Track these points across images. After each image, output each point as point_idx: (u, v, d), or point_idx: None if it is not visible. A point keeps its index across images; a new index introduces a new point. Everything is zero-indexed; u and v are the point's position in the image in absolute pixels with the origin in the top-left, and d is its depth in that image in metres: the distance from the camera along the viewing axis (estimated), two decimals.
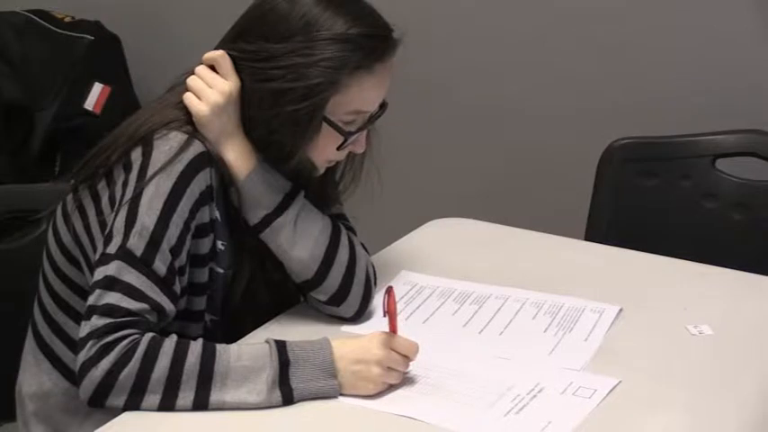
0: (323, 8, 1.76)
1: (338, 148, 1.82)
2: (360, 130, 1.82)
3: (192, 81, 1.81)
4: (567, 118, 3.19)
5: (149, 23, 3.74)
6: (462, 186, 3.35)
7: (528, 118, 3.24)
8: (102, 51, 3.62)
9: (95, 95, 3.57)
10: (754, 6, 2.93)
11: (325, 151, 1.82)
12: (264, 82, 1.76)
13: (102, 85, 3.58)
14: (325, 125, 1.78)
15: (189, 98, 1.80)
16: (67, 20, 3.66)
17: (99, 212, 1.76)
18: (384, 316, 1.70)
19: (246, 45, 1.79)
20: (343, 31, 1.75)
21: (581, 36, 3.13)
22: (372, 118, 1.84)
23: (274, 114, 1.76)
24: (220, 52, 1.80)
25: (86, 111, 3.56)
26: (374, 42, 1.77)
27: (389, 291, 1.69)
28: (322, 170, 1.87)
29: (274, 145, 1.80)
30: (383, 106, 1.86)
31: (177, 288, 1.71)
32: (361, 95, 1.79)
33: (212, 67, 1.81)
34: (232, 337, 1.79)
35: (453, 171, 3.38)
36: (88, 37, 3.60)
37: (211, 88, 1.79)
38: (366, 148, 1.89)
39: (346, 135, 1.80)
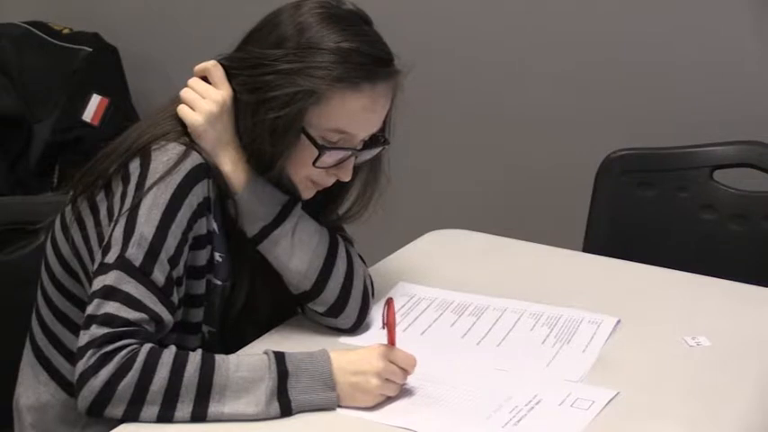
0: (320, 21, 1.76)
1: (314, 163, 1.78)
2: (341, 149, 1.78)
3: (185, 93, 1.82)
4: (565, 129, 3.19)
5: (147, 35, 3.75)
6: (460, 198, 3.36)
7: (526, 129, 3.25)
8: (100, 63, 3.63)
9: (93, 107, 3.57)
10: (754, 18, 2.93)
11: (303, 166, 1.79)
12: (254, 91, 1.76)
13: (100, 97, 3.58)
14: (304, 138, 1.77)
15: (183, 110, 1.80)
16: (66, 32, 3.66)
17: (97, 223, 1.76)
18: (382, 328, 1.70)
19: (239, 53, 1.80)
20: (335, 43, 1.75)
21: (579, 47, 3.13)
22: (364, 147, 1.82)
23: (259, 122, 1.76)
24: (212, 62, 1.81)
25: (84, 122, 3.56)
26: (364, 59, 1.76)
27: (389, 303, 1.69)
28: (306, 192, 1.84)
29: (256, 153, 1.79)
30: (380, 141, 1.84)
31: (175, 298, 1.71)
32: (341, 112, 1.76)
33: (205, 79, 1.82)
34: (232, 348, 1.80)
35: (451, 183, 3.38)
36: (86, 49, 3.60)
37: (205, 98, 1.79)
38: (375, 184, 1.88)
39: (320, 149, 1.77)
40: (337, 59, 1.74)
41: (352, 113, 1.77)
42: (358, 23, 1.80)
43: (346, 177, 1.83)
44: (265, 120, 1.75)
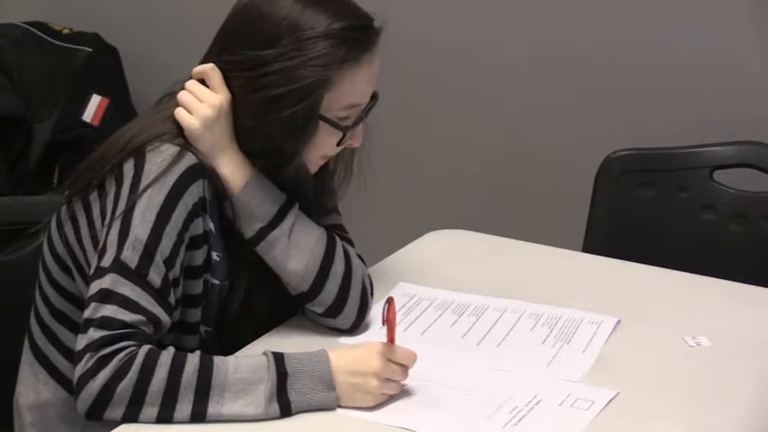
0: (302, 8, 1.76)
1: (338, 144, 1.82)
2: (356, 123, 1.82)
3: (182, 96, 1.81)
4: (565, 129, 3.19)
5: (147, 35, 3.75)
6: (460, 198, 3.36)
7: (526, 130, 3.25)
8: (100, 63, 3.63)
9: (93, 107, 3.57)
10: (754, 18, 2.93)
11: (321, 148, 1.82)
12: (256, 91, 1.76)
13: (99, 97, 3.58)
14: (322, 123, 1.78)
15: (179, 113, 1.80)
16: (66, 32, 3.66)
17: (90, 223, 1.76)
18: (383, 325, 1.70)
19: (233, 56, 1.79)
20: (326, 27, 1.76)
21: (579, 47, 3.13)
22: (366, 110, 1.85)
23: (271, 121, 1.76)
24: (210, 65, 1.80)
25: (84, 122, 3.56)
26: (357, 34, 1.78)
27: (390, 302, 1.68)
28: (314, 169, 1.86)
29: (273, 151, 1.80)
30: (374, 97, 1.86)
31: (172, 299, 1.71)
32: (352, 89, 1.79)
33: (202, 81, 1.81)
34: (231, 349, 1.79)
35: (451, 183, 3.38)
36: (86, 49, 3.60)
37: (201, 102, 1.79)
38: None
39: (344, 130, 1.80)
40: (334, 42, 1.75)
41: (359, 87, 1.80)
42: None
43: (358, 143, 1.87)
44: (280, 117, 1.75)
